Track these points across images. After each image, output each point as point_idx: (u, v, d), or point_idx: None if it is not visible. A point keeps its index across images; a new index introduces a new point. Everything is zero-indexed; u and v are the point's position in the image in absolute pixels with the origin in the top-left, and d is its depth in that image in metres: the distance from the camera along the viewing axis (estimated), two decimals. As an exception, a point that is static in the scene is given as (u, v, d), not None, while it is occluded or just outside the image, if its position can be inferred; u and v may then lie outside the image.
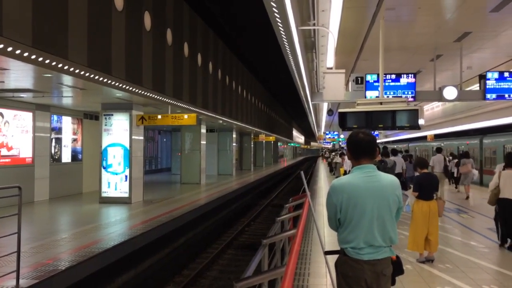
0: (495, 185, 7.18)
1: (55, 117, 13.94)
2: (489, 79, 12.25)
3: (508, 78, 12.18)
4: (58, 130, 14.17)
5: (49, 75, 8.09)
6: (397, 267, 2.89)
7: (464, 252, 7.01)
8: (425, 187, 6.42)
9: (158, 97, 11.83)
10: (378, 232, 2.77)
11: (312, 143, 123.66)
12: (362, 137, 2.91)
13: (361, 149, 2.90)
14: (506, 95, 12.27)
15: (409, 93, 12.28)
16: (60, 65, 7.37)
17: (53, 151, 13.89)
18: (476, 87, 13.74)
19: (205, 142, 21.12)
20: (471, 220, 9.86)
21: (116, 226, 9.29)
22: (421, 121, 7.88)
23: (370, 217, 2.77)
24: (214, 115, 18.03)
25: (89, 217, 10.58)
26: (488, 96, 12.33)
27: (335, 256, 2.95)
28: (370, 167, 2.88)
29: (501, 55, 13.80)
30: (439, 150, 14.79)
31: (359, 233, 2.77)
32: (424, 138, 32.84)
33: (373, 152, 2.91)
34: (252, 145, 33.92)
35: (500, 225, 7.30)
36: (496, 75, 12.29)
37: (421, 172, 6.63)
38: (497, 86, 12.23)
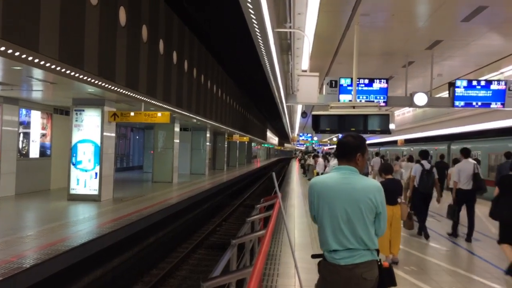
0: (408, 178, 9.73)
1: (23, 111, 13.57)
2: (458, 87, 12.54)
3: (476, 87, 12.51)
4: (27, 125, 13.80)
5: (19, 68, 7.89)
6: (387, 276, 2.79)
7: (428, 255, 7.19)
8: (389, 193, 6.56)
9: (131, 94, 11.67)
10: (350, 234, 2.73)
11: (286, 145, 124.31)
12: (344, 139, 2.97)
13: (338, 150, 2.97)
14: (474, 103, 12.59)
15: (381, 98, 12.49)
16: (30, 58, 7.19)
17: (20, 146, 13.52)
18: (445, 94, 14.05)
19: (178, 141, 20.97)
20: (435, 223, 10.12)
21: (84, 224, 9.12)
22: (392, 126, 8.02)
23: (340, 218, 2.75)
24: (188, 114, 17.91)
25: (56, 214, 10.35)
26: (457, 103, 12.62)
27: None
28: (346, 168, 2.88)
29: (471, 63, 14.19)
30: (377, 154, 20.54)
31: (329, 233, 2.77)
32: (395, 142, 33.50)
33: (348, 155, 2.90)
34: (226, 145, 33.86)
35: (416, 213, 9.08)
36: (465, 83, 12.59)
37: (386, 178, 6.76)
38: (465, 94, 12.53)
